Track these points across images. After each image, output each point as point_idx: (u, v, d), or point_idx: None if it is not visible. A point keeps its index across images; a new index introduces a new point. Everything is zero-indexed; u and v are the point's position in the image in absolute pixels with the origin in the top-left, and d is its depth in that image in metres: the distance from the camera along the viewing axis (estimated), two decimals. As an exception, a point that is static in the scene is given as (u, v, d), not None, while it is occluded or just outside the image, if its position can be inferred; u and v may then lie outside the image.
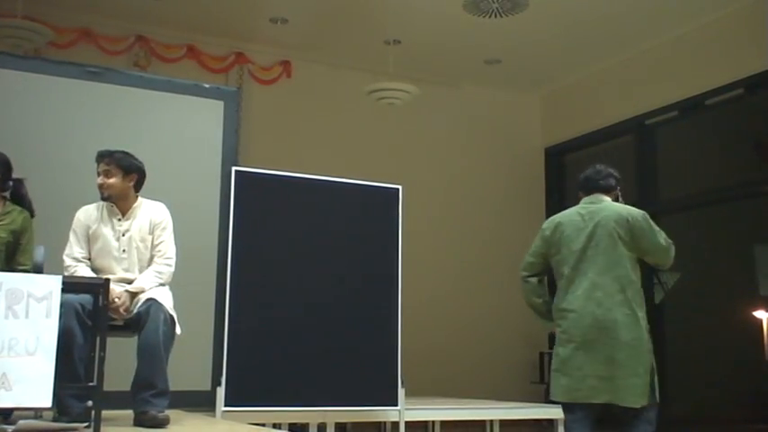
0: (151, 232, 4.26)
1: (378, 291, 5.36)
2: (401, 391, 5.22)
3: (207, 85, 6.39)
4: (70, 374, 3.62)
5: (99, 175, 4.22)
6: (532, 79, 9.14)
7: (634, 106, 8.28)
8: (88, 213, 4.27)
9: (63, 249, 4.22)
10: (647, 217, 3.96)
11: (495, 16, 7.38)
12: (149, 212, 4.30)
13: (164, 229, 4.29)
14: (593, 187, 4.09)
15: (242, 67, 8.20)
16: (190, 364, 5.19)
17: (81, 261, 4.18)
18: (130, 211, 4.27)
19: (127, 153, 4.30)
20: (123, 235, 4.23)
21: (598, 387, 3.75)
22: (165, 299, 4.11)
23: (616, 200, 4.10)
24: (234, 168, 5.23)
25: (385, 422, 6.13)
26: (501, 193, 9.23)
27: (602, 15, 7.44)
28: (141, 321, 3.98)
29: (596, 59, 8.49)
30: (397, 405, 5.21)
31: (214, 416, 4.86)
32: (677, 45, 7.84)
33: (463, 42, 8.10)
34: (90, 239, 4.22)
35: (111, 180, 4.21)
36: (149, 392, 3.89)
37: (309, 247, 5.25)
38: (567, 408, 3.91)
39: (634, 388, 3.71)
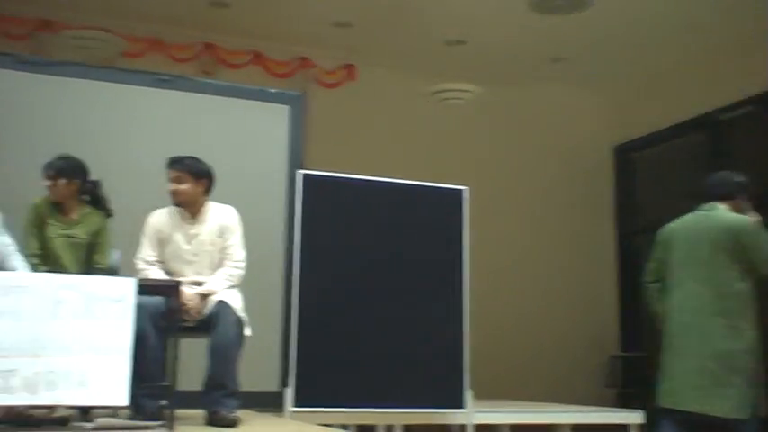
0: (220, 235, 4.34)
1: (444, 292, 5.34)
2: (469, 394, 5.20)
3: (272, 90, 6.48)
4: (144, 374, 3.71)
5: (170, 181, 4.31)
6: (599, 76, 9.00)
7: (706, 102, 8.09)
8: (159, 218, 4.37)
9: (135, 253, 4.33)
10: (758, 228, 3.88)
11: (561, 13, 7.31)
12: (219, 216, 4.38)
13: (233, 232, 4.36)
14: (709, 194, 4.08)
15: (306, 71, 8.29)
16: (258, 365, 5.26)
17: (153, 264, 4.28)
18: (200, 215, 4.36)
19: (196, 159, 4.38)
20: (194, 239, 4.31)
21: (690, 395, 3.71)
22: (235, 301, 4.18)
23: (737, 208, 4.03)
24: (299, 172, 5.29)
25: (452, 425, 6.11)
26: (568, 193, 9.12)
27: (670, 10, 7.31)
28: (212, 323, 4.06)
29: (665, 54, 8.32)
30: (464, 408, 5.19)
31: (282, 416, 4.92)
32: (751, 38, 7.64)
33: (528, 41, 8.04)
34: (161, 243, 4.32)
35: (183, 186, 4.30)
36: (220, 393, 3.97)
37: (375, 249, 5.27)
38: (663, 412, 3.89)
39: (726, 399, 3.65)
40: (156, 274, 4.22)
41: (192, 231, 4.32)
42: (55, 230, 4.32)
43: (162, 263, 4.31)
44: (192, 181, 4.30)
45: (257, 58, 8.04)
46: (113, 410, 3.80)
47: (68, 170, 4.34)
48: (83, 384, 3.34)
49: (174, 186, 4.29)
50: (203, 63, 7.90)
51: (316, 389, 4.92)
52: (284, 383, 4.99)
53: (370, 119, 8.41)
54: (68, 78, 5.79)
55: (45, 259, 4.24)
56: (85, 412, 3.86)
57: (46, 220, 4.32)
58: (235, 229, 4.38)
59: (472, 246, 5.45)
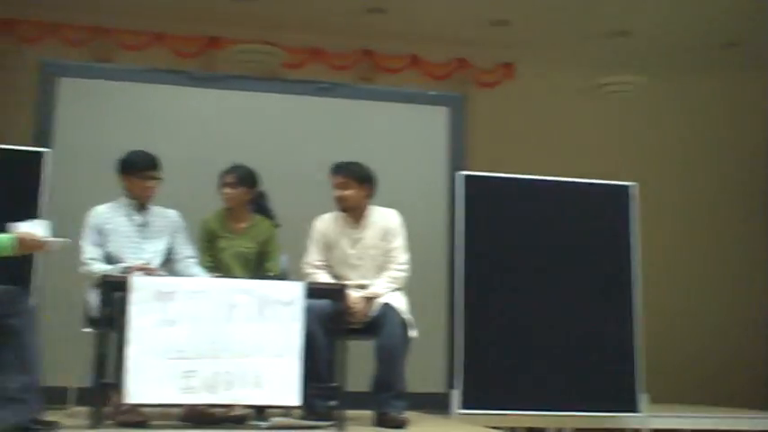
0: (384, 239, 4.37)
1: (613, 293, 5.18)
2: (643, 398, 5.00)
3: (431, 93, 6.49)
4: (315, 375, 3.79)
5: (335, 187, 4.38)
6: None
7: None
8: (325, 223, 4.46)
9: (301, 258, 4.43)
10: None
11: (733, -4, 6.92)
12: (382, 220, 4.42)
13: (396, 235, 4.39)
14: None
15: (464, 72, 8.26)
16: (424, 367, 5.27)
17: (320, 268, 4.36)
18: (364, 219, 4.41)
19: (360, 164, 4.44)
20: (358, 243, 4.37)
21: None
22: (400, 303, 4.20)
23: None
24: (460, 173, 5.27)
25: (626, 429, 5.89)
26: (745, 187, 8.60)
27: None
28: (378, 325, 4.09)
29: None
30: (638, 411, 4.99)
31: (449, 418, 4.90)
32: None
33: (697, 27, 7.65)
34: (327, 248, 4.40)
35: (348, 192, 4.36)
36: (389, 394, 4.00)
37: (540, 250, 5.18)
38: None
39: None
40: (324, 277, 4.31)
41: (357, 236, 4.38)
42: (225, 243, 4.47)
43: (329, 267, 4.39)
44: (357, 186, 4.36)
45: (414, 61, 8.09)
46: (286, 410, 3.91)
47: (248, 179, 4.50)
48: (258, 385, 3.45)
49: (339, 192, 4.36)
50: (362, 69, 8.02)
51: (483, 391, 4.88)
52: (450, 385, 4.98)
53: (531, 117, 8.26)
54: (234, 91, 6.03)
55: (217, 272, 4.38)
56: (260, 411, 3.99)
57: (216, 234, 4.48)
58: (398, 232, 4.40)
59: (641, 244, 5.24)
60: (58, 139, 5.64)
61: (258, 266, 4.47)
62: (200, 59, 7.72)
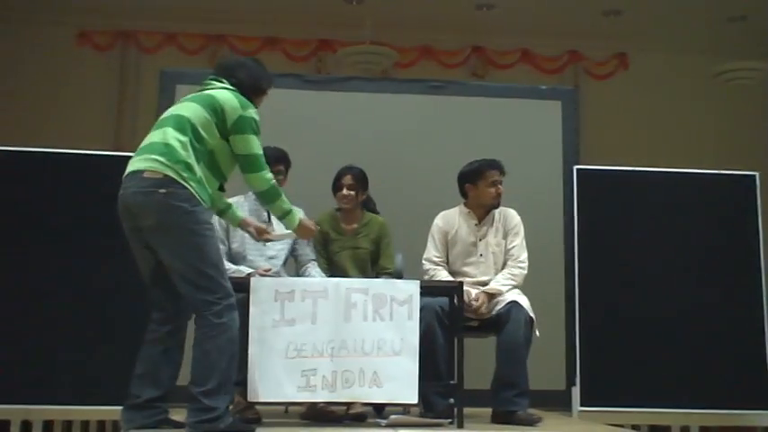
0: (505, 237, 4.37)
1: (735, 287, 5.00)
2: (774, 394, 4.80)
3: (544, 87, 6.41)
4: (433, 373, 3.82)
5: (493, 185, 4.36)
6: None
7: None
8: (447, 219, 4.47)
9: (416, 256, 4.46)
10: None
11: None
12: (503, 218, 4.42)
13: (516, 233, 4.38)
14: None
15: (576, 64, 8.12)
16: (543, 364, 5.21)
17: (439, 264, 4.39)
18: (487, 216, 4.42)
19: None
20: (480, 240, 4.38)
21: None
22: (525, 301, 4.18)
23: None
24: (575, 167, 5.19)
25: (757, 427, 5.67)
26: None
27: None
28: (501, 322, 4.09)
29: None
30: (768, 409, 4.80)
31: (570, 416, 4.84)
32: None
33: (821, 7, 7.28)
34: (449, 244, 4.42)
35: (500, 188, 4.39)
36: (512, 392, 3.98)
37: (658, 243, 5.05)
38: None
39: None
40: (443, 275, 4.32)
41: (479, 232, 4.38)
42: (339, 244, 4.52)
43: (448, 264, 4.41)
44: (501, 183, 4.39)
45: (526, 55, 8.01)
46: (405, 407, 3.96)
47: (363, 180, 4.55)
48: (376, 383, 3.50)
49: (495, 189, 4.36)
50: (473, 66, 8.01)
51: (604, 388, 4.80)
52: (571, 382, 4.91)
53: (648, 107, 8.05)
54: (348, 93, 6.12)
55: (332, 273, 4.44)
56: (379, 409, 4.04)
57: (329, 236, 4.54)
58: (518, 230, 4.39)
59: (764, 234, 5.03)
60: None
61: (374, 263, 4.53)
62: (312, 62, 7.89)
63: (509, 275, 4.27)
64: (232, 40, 7.83)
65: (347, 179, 4.50)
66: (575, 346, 4.89)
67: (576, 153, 6.16)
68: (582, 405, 4.77)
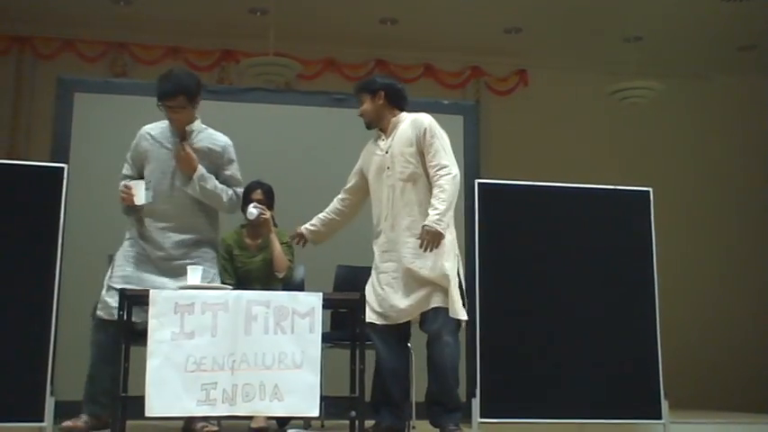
0: (411, 144, 4.29)
1: (631, 299, 5.12)
2: (665, 404, 4.94)
3: (446, 102, 6.48)
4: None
5: None
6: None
7: None
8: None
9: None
10: None
11: (748, -1, 6.88)
12: (409, 125, 4.36)
13: (432, 136, 4.25)
14: None
15: (478, 80, 8.27)
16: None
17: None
18: (391, 130, 4.37)
19: (375, 77, 4.57)
20: (387, 152, 4.33)
21: None
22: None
23: None
24: (477, 181, 5.25)
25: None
26: (762, 192, 8.54)
27: None
28: (429, 338, 4.19)
29: None
30: (660, 419, 4.94)
31: (470, 427, 4.87)
32: None
33: (712, 31, 7.63)
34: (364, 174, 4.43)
35: (363, 107, 4.35)
36: (440, 408, 4.12)
37: (557, 257, 5.13)
38: None
39: None
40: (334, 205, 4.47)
41: (385, 146, 4.35)
42: (242, 260, 4.49)
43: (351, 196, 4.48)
44: (369, 98, 4.36)
45: (429, 70, 8.11)
46: (306, 421, 3.91)
47: (273, 197, 4.55)
48: (277, 396, 3.44)
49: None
50: (376, 79, 8.04)
51: (503, 399, 4.84)
52: (471, 394, 4.95)
53: (547, 123, 8.25)
54: (250, 104, 6.04)
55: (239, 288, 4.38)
56: (282, 423, 3.98)
57: (233, 252, 4.50)
58: (433, 133, 4.28)
59: (658, 250, 5.20)
60: (72, 154, 5.66)
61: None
62: (215, 72, 7.79)
63: (439, 191, 4.23)
64: (134, 49, 7.66)
65: (257, 194, 4.46)
66: (474, 358, 4.93)
67: (478, 167, 6.25)
68: (482, 416, 4.79)
